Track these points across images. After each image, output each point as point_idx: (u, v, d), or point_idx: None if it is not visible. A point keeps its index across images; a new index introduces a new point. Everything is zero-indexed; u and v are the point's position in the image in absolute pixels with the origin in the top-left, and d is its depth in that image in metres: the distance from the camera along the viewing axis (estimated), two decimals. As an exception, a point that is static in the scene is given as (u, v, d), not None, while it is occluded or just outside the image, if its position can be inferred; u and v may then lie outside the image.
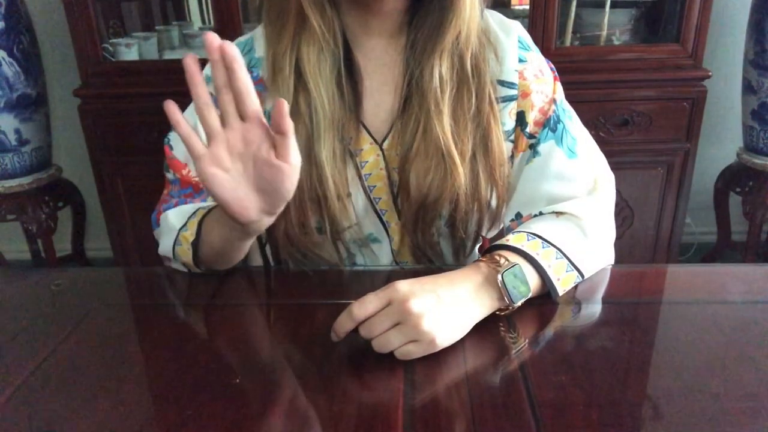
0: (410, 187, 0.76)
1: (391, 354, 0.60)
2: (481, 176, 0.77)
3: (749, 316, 0.68)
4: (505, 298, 0.64)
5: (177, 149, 0.82)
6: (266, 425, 0.53)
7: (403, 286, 0.60)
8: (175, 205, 0.81)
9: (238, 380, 0.59)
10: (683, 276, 0.81)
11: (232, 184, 0.61)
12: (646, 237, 1.86)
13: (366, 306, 0.59)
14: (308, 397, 0.57)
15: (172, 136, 0.83)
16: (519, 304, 0.66)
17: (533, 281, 0.67)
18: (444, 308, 0.60)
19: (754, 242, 1.91)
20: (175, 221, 0.78)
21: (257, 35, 0.80)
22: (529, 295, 0.66)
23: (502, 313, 0.66)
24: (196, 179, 0.80)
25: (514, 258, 0.67)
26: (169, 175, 0.83)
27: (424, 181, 0.75)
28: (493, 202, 0.80)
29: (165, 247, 0.79)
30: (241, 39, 0.81)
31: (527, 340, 0.64)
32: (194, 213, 0.77)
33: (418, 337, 0.58)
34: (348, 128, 0.76)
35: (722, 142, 2.10)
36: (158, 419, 0.54)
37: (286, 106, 0.56)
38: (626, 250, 1.86)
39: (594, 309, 0.71)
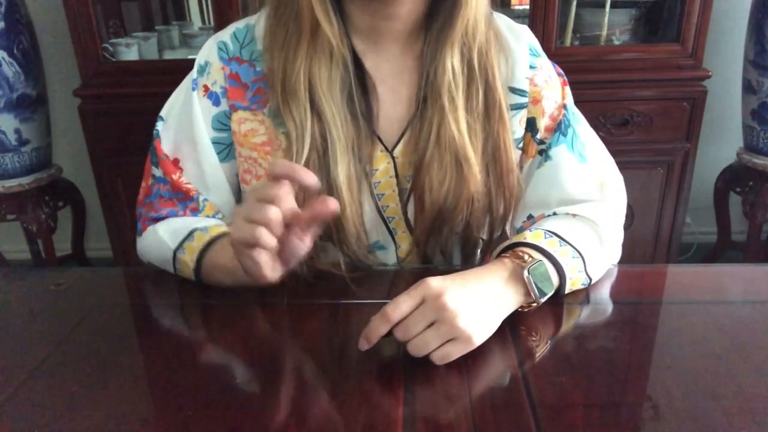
0: (425, 199, 0.75)
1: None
2: (491, 182, 0.77)
3: (749, 316, 0.68)
4: (532, 294, 0.64)
5: (165, 144, 0.80)
6: (266, 425, 0.53)
7: (435, 282, 0.59)
8: (165, 216, 0.79)
9: (238, 380, 0.59)
10: (683, 276, 0.81)
11: (269, 265, 0.59)
12: (646, 237, 1.86)
13: (400, 306, 0.58)
14: (308, 396, 0.57)
15: (161, 128, 0.80)
16: (544, 300, 0.66)
17: (554, 278, 0.67)
18: (477, 304, 0.60)
19: (754, 242, 1.91)
20: (166, 237, 0.76)
21: (258, 25, 0.77)
22: (552, 292, 0.66)
23: (525, 310, 0.66)
24: (188, 185, 0.79)
25: (536, 255, 0.67)
26: (157, 172, 0.81)
27: (439, 191, 0.74)
28: (501, 209, 0.79)
29: (159, 261, 0.79)
30: (239, 26, 0.78)
31: (527, 340, 0.64)
32: (190, 235, 0.75)
33: (455, 335, 0.57)
34: (363, 147, 0.75)
35: (722, 142, 2.10)
36: (158, 419, 0.54)
37: (335, 205, 0.56)
38: (626, 250, 1.85)
39: (594, 309, 0.71)
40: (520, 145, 0.80)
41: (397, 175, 0.78)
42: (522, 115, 0.78)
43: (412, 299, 0.58)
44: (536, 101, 0.78)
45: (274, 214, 0.55)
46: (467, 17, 0.71)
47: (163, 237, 0.77)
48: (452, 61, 0.73)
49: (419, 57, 0.76)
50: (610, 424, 0.51)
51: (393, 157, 0.77)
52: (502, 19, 0.79)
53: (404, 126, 0.77)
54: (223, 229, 0.76)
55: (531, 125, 0.79)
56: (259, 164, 0.78)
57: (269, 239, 0.56)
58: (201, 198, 0.80)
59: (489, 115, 0.75)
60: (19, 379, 0.60)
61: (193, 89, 0.78)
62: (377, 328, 0.58)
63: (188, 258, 0.74)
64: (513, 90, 0.77)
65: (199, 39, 1.87)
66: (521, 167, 0.81)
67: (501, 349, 0.62)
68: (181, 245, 0.75)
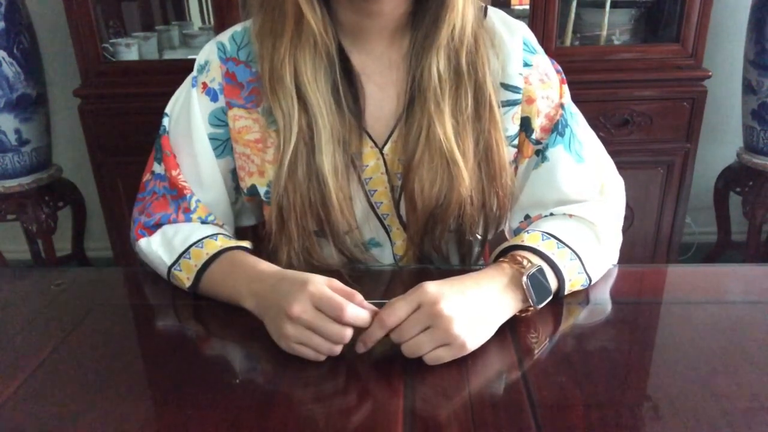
0: (416, 199, 0.75)
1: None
2: (483, 181, 0.77)
3: (749, 316, 0.68)
4: (530, 300, 0.64)
5: (173, 141, 0.80)
6: (266, 426, 0.53)
7: (432, 287, 0.60)
8: (158, 222, 0.79)
9: (238, 380, 0.59)
10: (683, 276, 0.81)
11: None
12: (646, 237, 1.86)
13: (396, 312, 0.59)
14: (308, 396, 0.57)
15: (167, 123, 0.80)
16: (542, 306, 0.66)
17: (553, 283, 0.67)
18: (473, 310, 0.60)
19: (754, 242, 1.90)
20: (161, 252, 0.77)
21: (254, 27, 0.77)
22: (550, 297, 0.66)
23: (522, 314, 0.66)
24: (183, 183, 0.79)
25: (534, 259, 0.67)
26: (158, 168, 0.81)
27: (431, 192, 0.74)
28: (494, 207, 0.79)
29: (155, 268, 0.79)
30: (238, 29, 0.79)
31: (527, 340, 0.64)
32: (187, 251, 0.75)
33: (449, 341, 0.58)
34: (350, 138, 0.75)
35: (722, 142, 2.10)
36: (158, 419, 0.54)
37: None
38: (626, 250, 1.84)
39: (594, 309, 0.71)
40: (514, 142, 0.79)
41: (387, 172, 0.78)
42: (515, 112, 0.78)
43: (408, 305, 0.59)
44: (531, 100, 0.77)
45: (349, 336, 0.59)
46: (453, 22, 0.71)
47: (158, 251, 0.77)
48: (438, 67, 0.73)
49: (406, 55, 0.76)
50: (610, 424, 0.51)
51: (382, 154, 0.78)
52: (497, 14, 0.79)
53: (393, 124, 0.77)
54: (219, 244, 0.75)
55: (525, 125, 0.78)
56: (252, 161, 0.79)
57: (338, 351, 0.60)
58: (194, 199, 0.80)
59: (479, 116, 0.75)
60: (19, 379, 0.60)
61: (193, 86, 0.79)
62: (374, 333, 0.59)
63: (185, 276, 0.74)
64: (505, 86, 0.77)
65: (199, 39, 1.87)
66: (516, 165, 0.81)
67: (501, 349, 0.62)
68: (177, 261, 0.75)
